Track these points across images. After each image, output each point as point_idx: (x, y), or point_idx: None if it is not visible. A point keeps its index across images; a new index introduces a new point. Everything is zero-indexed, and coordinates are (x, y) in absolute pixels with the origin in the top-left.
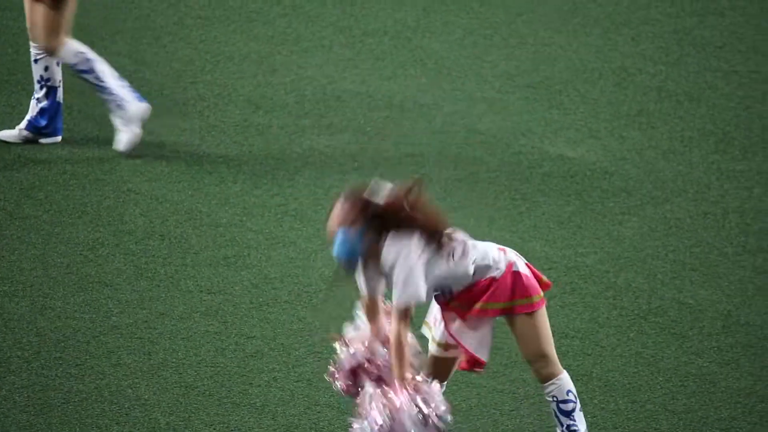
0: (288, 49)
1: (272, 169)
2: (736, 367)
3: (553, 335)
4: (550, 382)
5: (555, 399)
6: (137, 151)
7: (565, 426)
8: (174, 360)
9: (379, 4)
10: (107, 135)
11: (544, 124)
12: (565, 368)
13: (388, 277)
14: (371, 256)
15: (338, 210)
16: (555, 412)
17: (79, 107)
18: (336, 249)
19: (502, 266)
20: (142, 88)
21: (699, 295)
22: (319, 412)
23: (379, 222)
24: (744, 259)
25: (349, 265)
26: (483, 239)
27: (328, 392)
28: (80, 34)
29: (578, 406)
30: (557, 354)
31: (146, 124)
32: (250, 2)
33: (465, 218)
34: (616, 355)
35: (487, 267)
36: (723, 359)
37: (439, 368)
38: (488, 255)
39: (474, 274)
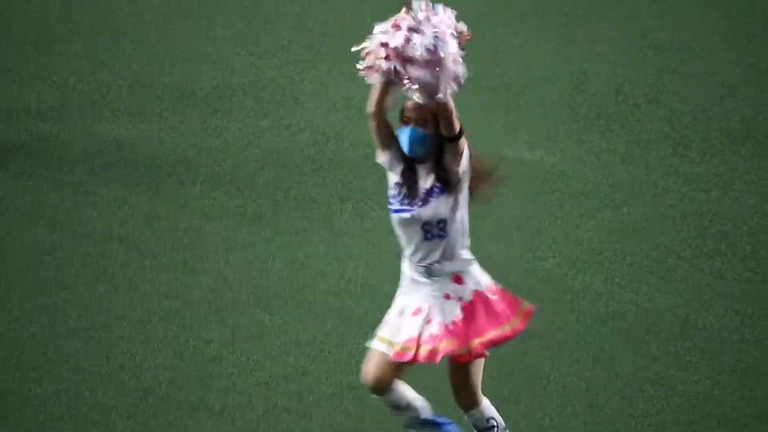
0: (247, 50)
1: (230, 171)
2: (694, 371)
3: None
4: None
5: (476, 427)
6: (96, 153)
7: None
8: (132, 364)
9: (338, 5)
10: (65, 136)
11: (502, 127)
12: (522, 370)
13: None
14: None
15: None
16: None
17: (36, 106)
18: (406, 138)
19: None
20: (100, 90)
21: (656, 298)
22: (277, 416)
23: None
24: (701, 263)
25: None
26: None
27: (286, 396)
28: (38, 34)
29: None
30: (516, 357)
31: (103, 125)
32: (209, 3)
33: None
34: (574, 359)
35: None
36: (680, 363)
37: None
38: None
39: (465, 249)
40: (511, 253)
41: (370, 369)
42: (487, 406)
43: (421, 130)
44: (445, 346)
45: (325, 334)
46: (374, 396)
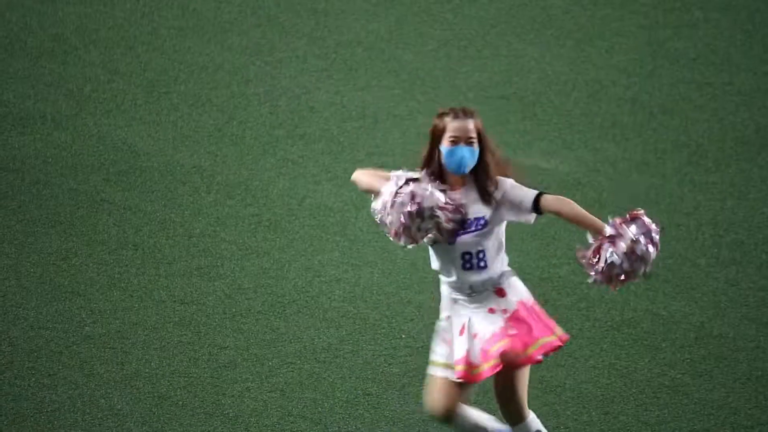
0: (262, 60)
1: (246, 180)
2: (709, 378)
3: None
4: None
5: None
6: (111, 161)
7: None
8: (147, 370)
9: (353, 15)
10: (80, 144)
11: (517, 136)
12: (538, 380)
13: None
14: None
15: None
16: None
17: (52, 115)
18: (467, 157)
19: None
20: (115, 98)
21: (672, 306)
22: (292, 423)
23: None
24: (716, 271)
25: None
26: None
27: (301, 403)
28: (53, 45)
29: None
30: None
31: (118, 133)
32: (225, 13)
33: None
34: (589, 366)
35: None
36: (696, 371)
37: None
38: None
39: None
40: (526, 260)
41: (436, 398)
42: (533, 419)
43: (475, 150)
44: (502, 346)
45: (339, 341)
46: (443, 424)
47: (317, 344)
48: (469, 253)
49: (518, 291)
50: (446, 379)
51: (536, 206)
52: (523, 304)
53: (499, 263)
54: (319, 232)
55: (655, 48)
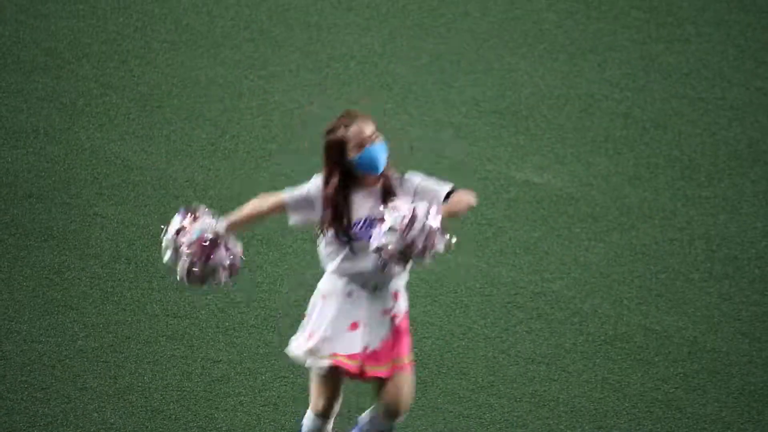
0: (255, 74)
1: (238, 194)
2: (702, 393)
3: (519, 361)
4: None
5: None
6: (104, 175)
7: None
8: (140, 384)
9: (345, 29)
10: (73, 158)
11: (510, 150)
12: (530, 394)
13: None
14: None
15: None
16: None
17: (45, 129)
18: (381, 154)
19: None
20: (108, 112)
21: (665, 321)
22: None
23: None
24: (710, 286)
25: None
26: (448, 266)
27: (294, 417)
28: (46, 59)
29: None
30: (524, 380)
31: (111, 147)
32: (217, 27)
33: None
34: (583, 380)
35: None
36: (689, 385)
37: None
38: None
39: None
40: (519, 275)
41: (323, 391)
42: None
43: (384, 144)
44: (374, 369)
45: None
46: (317, 421)
47: None
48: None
49: (406, 299)
50: (334, 370)
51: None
52: (407, 314)
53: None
54: (312, 246)
55: (647, 62)
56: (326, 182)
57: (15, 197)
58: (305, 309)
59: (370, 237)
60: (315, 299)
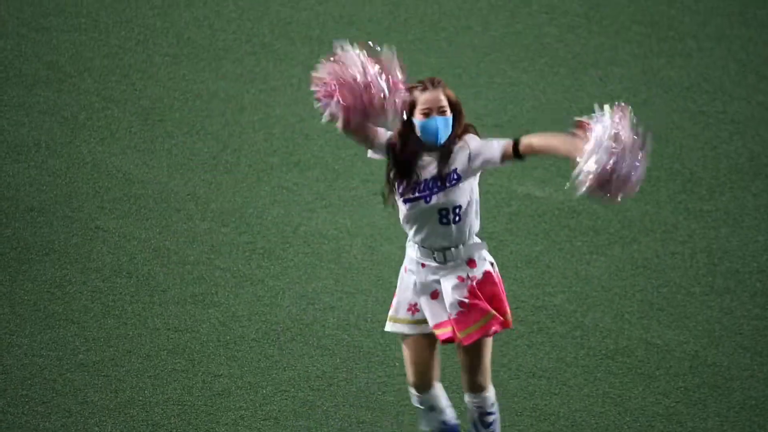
0: (256, 88)
1: (240, 207)
2: (703, 407)
3: (521, 375)
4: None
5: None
6: (106, 188)
7: None
8: (141, 398)
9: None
10: (75, 171)
11: (512, 164)
12: (531, 408)
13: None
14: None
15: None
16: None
17: (46, 142)
18: (443, 128)
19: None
20: (110, 126)
21: (666, 335)
22: None
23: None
24: (711, 299)
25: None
26: None
27: (295, 431)
28: (48, 72)
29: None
30: (525, 394)
31: (113, 160)
32: (219, 41)
33: None
34: (584, 395)
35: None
36: (690, 399)
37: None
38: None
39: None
40: (520, 288)
41: (409, 361)
42: (493, 394)
43: (449, 118)
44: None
45: (333, 369)
46: (417, 396)
47: (311, 372)
48: (446, 209)
49: (487, 263)
50: (420, 338)
51: (516, 152)
52: (490, 274)
53: (473, 229)
54: (313, 259)
55: (649, 77)
56: (399, 135)
57: (16, 211)
58: (305, 322)
59: (428, 198)
60: (401, 272)
